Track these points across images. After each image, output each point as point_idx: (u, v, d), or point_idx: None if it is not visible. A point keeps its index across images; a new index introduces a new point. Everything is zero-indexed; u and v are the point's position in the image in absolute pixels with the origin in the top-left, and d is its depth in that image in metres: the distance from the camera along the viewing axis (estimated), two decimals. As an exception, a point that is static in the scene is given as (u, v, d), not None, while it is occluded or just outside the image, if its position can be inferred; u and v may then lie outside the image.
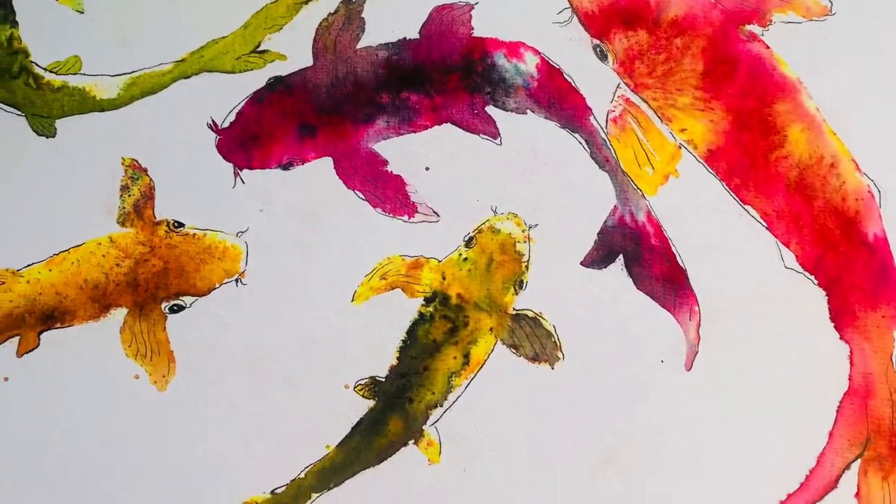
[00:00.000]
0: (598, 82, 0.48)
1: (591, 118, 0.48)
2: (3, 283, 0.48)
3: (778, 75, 0.47)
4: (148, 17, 0.50)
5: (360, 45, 0.49)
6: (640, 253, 0.47)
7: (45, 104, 0.50)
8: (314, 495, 0.47)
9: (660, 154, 0.47)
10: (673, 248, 0.47)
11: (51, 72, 0.50)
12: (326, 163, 0.48)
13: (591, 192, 0.48)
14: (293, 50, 0.49)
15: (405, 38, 0.49)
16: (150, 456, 0.47)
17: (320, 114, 0.48)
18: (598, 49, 0.48)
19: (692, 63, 0.47)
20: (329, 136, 0.48)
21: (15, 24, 0.50)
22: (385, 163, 0.48)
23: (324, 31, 0.49)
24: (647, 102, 0.47)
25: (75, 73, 0.50)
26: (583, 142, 0.48)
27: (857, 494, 0.46)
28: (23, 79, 0.50)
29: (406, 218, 0.48)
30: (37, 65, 0.50)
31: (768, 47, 0.47)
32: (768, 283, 0.47)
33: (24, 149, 0.49)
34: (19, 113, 0.50)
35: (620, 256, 0.47)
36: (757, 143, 0.47)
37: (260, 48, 0.49)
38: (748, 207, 0.47)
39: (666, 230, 0.47)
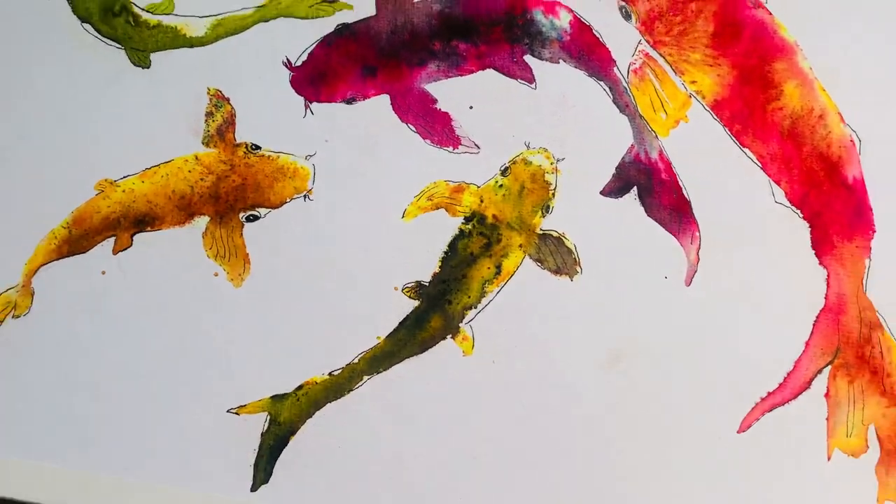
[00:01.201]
0: (622, 38, 0.51)
1: (615, 69, 0.51)
2: (103, 191, 0.52)
3: (778, 38, 0.50)
4: None
5: None
6: (651, 185, 0.50)
7: (142, 39, 0.54)
8: (365, 378, 0.51)
9: (672, 102, 0.50)
10: (680, 182, 0.50)
11: (148, 12, 0.54)
12: (384, 99, 0.51)
13: (611, 132, 0.50)
14: (358, 1, 0.53)
15: None
16: (228, 342, 0.51)
17: (380, 57, 0.52)
18: (623, 10, 0.51)
19: (704, 25, 0.51)
20: (387, 76, 0.52)
21: None
22: (435, 101, 0.51)
23: None
24: (663, 57, 0.51)
25: (168, 14, 0.54)
26: (606, 89, 0.51)
27: (827, 395, 0.49)
28: (123, 17, 0.54)
29: (451, 149, 0.51)
30: (136, 5, 0.54)
31: (770, 13, 0.50)
32: (760, 215, 0.49)
33: (122, 77, 0.53)
34: (119, 46, 0.53)
35: (635, 188, 0.50)
36: (757, 96, 0.50)
37: None
38: (746, 150, 0.50)
39: (675, 167, 0.50)
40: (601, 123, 0.51)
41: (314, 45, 0.51)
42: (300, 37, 0.53)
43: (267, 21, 0.53)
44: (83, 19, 0.54)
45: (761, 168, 0.50)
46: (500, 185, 0.51)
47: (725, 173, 0.50)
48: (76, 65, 0.54)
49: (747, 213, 0.50)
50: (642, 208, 0.50)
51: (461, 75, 0.52)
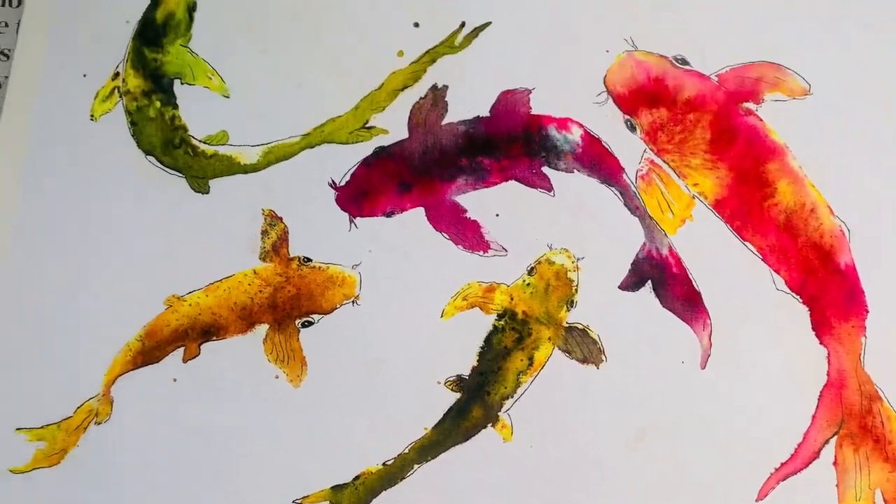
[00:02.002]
0: (628, 148, 0.54)
1: (624, 175, 0.54)
2: (171, 306, 0.54)
3: (769, 141, 0.53)
4: (279, 100, 0.58)
5: (444, 122, 0.55)
6: (664, 279, 0.52)
7: (201, 168, 0.57)
8: (415, 466, 0.52)
9: (678, 203, 0.53)
10: (690, 275, 0.53)
11: (204, 143, 0.58)
12: (419, 212, 0.54)
13: (625, 232, 0.53)
14: (393, 126, 0.55)
15: (479, 116, 0.55)
16: (290, 438, 0.52)
17: (415, 174, 0.54)
18: (628, 123, 0.54)
19: (702, 133, 0.54)
20: (422, 191, 0.54)
21: (176, 106, 0.59)
22: (464, 211, 0.54)
23: (416, 111, 0.56)
24: (667, 163, 0.53)
25: (223, 144, 0.58)
26: (618, 194, 0.54)
27: (835, 463, 0.51)
28: (182, 149, 0.58)
29: (482, 253, 0.54)
30: (193, 137, 0.58)
31: (761, 119, 0.53)
32: (764, 301, 0.52)
33: (184, 202, 0.55)
34: (180, 175, 0.57)
35: (649, 282, 0.53)
36: (753, 194, 0.52)
37: (367, 125, 0.57)
38: (747, 243, 0.52)
39: (684, 261, 0.53)
40: (615, 225, 0.54)
41: (355, 167, 0.55)
42: (343, 159, 0.55)
43: (312, 147, 0.57)
44: (147, 152, 0.59)
45: (762, 259, 0.52)
46: (528, 284, 0.53)
47: (730, 265, 0.53)
48: (143, 193, 0.57)
49: (752, 300, 0.52)
50: (657, 300, 0.53)
51: (487, 187, 0.54)
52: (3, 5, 0.64)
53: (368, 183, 0.55)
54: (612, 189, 0.54)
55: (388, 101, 0.56)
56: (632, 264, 0.53)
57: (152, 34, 0.60)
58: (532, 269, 0.53)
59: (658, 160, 0.54)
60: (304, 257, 0.54)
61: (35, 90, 0.60)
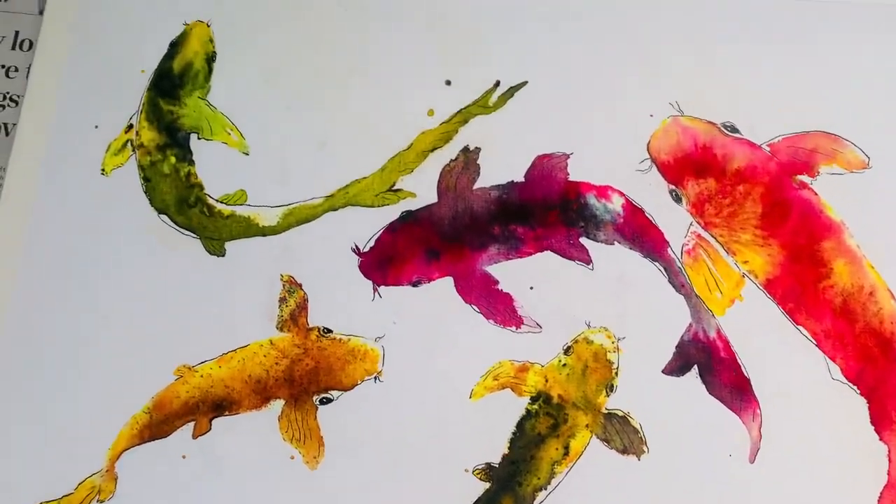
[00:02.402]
0: (673, 220, 0.53)
1: (669, 249, 0.52)
2: (182, 376, 0.53)
3: (825, 217, 0.52)
4: (301, 159, 0.56)
5: (476, 186, 0.55)
6: (711, 364, 0.50)
7: (217, 229, 0.56)
8: None
9: (726, 281, 0.51)
10: (739, 360, 0.51)
11: (221, 202, 0.56)
12: (448, 281, 0.53)
13: (669, 311, 0.51)
14: (421, 189, 0.54)
15: (513, 181, 0.54)
16: None
17: (443, 241, 0.53)
18: (673, 193, 0.53)
19: (753, 206, 0.52)
20: (450, 259, 0.53)
21: (192, 162, 0.57)
22: (496, 282, 0.52)
23: (446, 174, 0.55)
24: (715, 238, 0.52)
25: (241, 204, 0.56)
26: (662, 269, 0.52)
27: None
28: (198, 208, 0.56)
29: (514, 329, 0.52)
30: (210, 196, 0.56)
31: (816, 194, 0.52)
32: (818, 392, 0.50)
33: (199, 265, 0.55)
34: (195, 236, 0.56)
35: (695, 366, 0.51)
36: (807, 274, 0.51)
37: (394, 187, 0.55)
38: (800, 327, 0.50)
39: (733, 345, 0.51)
40: (659, 303, 0.52)
41: (381, 232, 0.53)
42: (367, 224, 0.55)
43: (336, 209, 0.56)
44: (160, 210, 0.57)
45: (816, 345, 0.50)
46: (564, 365, 0.51)
47: (782, 350, 0.51)
48: (154, 254, 0.56)
49: (806, 390, 0.50)
50: (703, 386, 0.51)
51: (521, 257, 0.53)
52: (14, 48, 0.62)
53: (394, 249, 0.53)
54: (656, 264, 0.52)
55: (417, 162, 0.55)
56: (676, 347, 0.51)
57: (168, 85, 0.59)
58: (569, 348, 0.51)
59: (705, 234, 0.52)
60: (324, 328, 0.53)
61: (44, 140, 0.58)
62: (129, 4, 0.61)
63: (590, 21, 0.58)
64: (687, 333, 0.51)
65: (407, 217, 0.54)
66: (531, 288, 0.52)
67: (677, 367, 0.51)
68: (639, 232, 0.53)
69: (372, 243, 0.53)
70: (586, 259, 0.53)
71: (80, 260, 0.54)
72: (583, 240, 0.53)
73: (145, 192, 0.56)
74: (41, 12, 0.61)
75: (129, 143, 0.57)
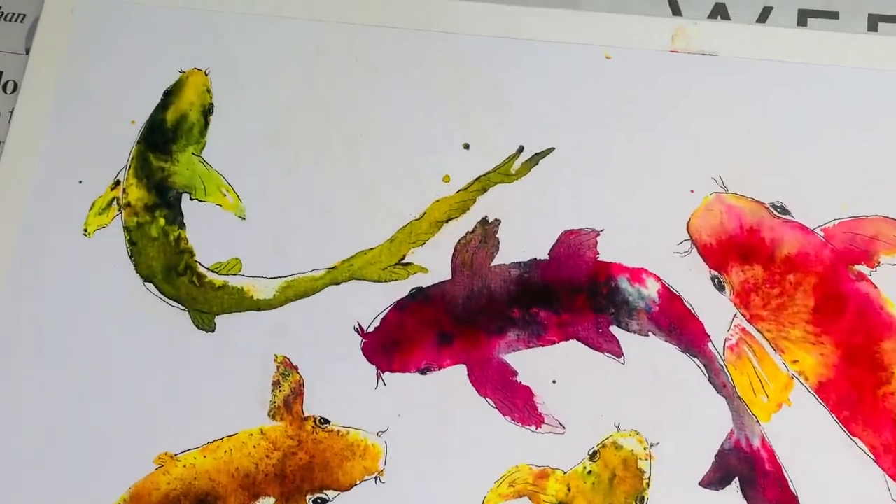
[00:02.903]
0: (715, 310, 0.49)
1: (710, 344, 0.49)
2: (162, 465, 0.49)
3: (885, 314, 0.48)
4: (303, 226, 0.53)
5: (494, 263, 0.51)
6: (754, 477, 0.47)
7: (207, 301, 0.52)
8: None
9: (773, 383, 0.48)
10: (786, 474, 0.47)
11: (213, 271, 0.53)
12: (461, 370, 0.50)
13: (708, 415, 0.48)
14: (434, 264, 0.52)
15: (536, 259, 0.51)
16: None
17: (457, 324, 0.50)
18: (715, 280, 0.50)
19: (804, 299, 0.49)
20: (464, 344, 0.50)
21: (182, 225, 0.54)
22: (515, 373, 0.49)
23: (462, 248, 0.52)
24: (761, 333, 0.49)
25: (235, 274, 0.53)
26: (701, 366, 0.49)
27: None
28: (188, 276, 0.53)
29: (534, 428, 0.48)
30: (201, 264, 0.53)
31: (876, 287, 0.49)
32: None
33: (185, 341, 0.51)
34: (183, 308, 0.52)
35: (736, 479, 0.47)
36: (865, 379, 0.47)
37: (404, 261, 0.52)
38: (856, 439, 0.47)
39: (779, 456, 0.47)
40: (697, 404, 0.48)
41: (387, 310, 0.51)
42: (373, 301, 0.51)
43: (338, 283, 0.52)
44: (146, 278, 0.53)
45: (874, 460, 0.47)
46: (589, 472, 0.48)
47: (835, 466, 0.47)
48: (138, 327, 0.52)
49: None
50: (745, 502, 0.47)
51: (543, 346, 0.50)
52: (-3, 90, 0.58)
53: (402, 331, 0.50)
54: (695, 360, 0.49)
55: (430, 234, 0.52)
56: (716, 456, 0.47)
57: (160, 138, 0.55)
58: (595, 453, 0.48)
59: (751, 328, 0.49)
60: (321, 418, 0.50)
61: (23, 196, 0.55)
62: (121, 47, 0.57)
63: (624, 84, 0.54)
64: (728, 441, 0.48)
65: (417, 295, 0.50)
66: (554, 382, 0.49)
67: (716, 479, 0.47)
68: (676, 322, 0.49)
69: (377, 323, 0.50)
70: (617, 351, 0.49)
71: (55, 331, 0.52)
72: (613, 329, 0.49)
73: (130, 257, 0.53)
74: (27, 51, 0.58)
75: (114, 202, 0.54)
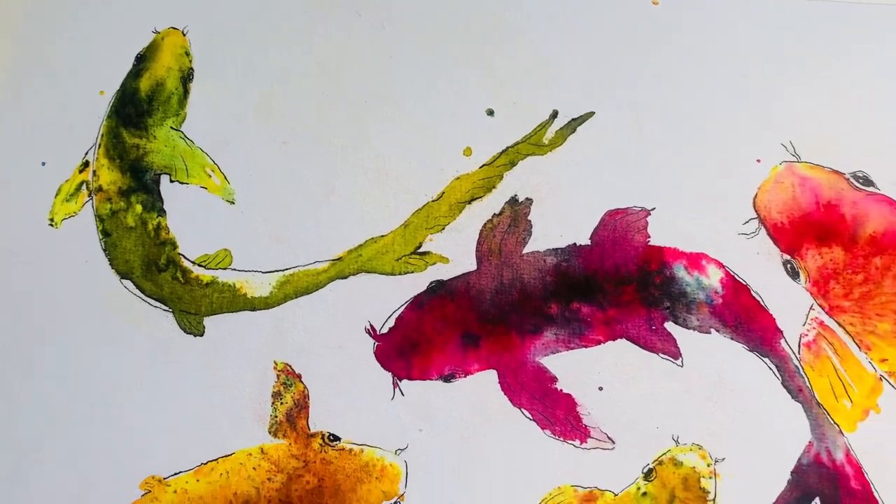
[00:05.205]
0: (788, 302, 0.46)
1: (782, 342, 0.45)
2: (150, 491, 0.46)
3: None
4: (302, 211, 0.48)
5: (526, 250, 0.47)
6: (838, 496, 0.44)
7: (194, 300, 0.48)
8: None
9: (858, 386, 0.45)
10: (875, 493, 0.44)
11: (200, 265, 0.49)
12: (491, 376, 0.46)
13: (782, 425, 0.45)
14: (456, 252, 0.47)
15: (575, 244, 0.47)
16: None
17: (484, 322, 0.46)
18: (788, 265, 0.46)
19: (893, 285, 0.45)
20: (493, 346, 0.46)
21: (163, 212, 0.49)
22: (554, 379, 0.46)
23: (488, 232, 0.47)
24: (843, 327, 0.45)
25: (225, 268, 0.48)
26: (773, 367, 0.45)
27: None
28: (170, 272, 0.49)
29: (578, 443, 0.45)
30: (185, 257, 0.49)
31: None
32: None
33: (171, 347, 0.47)
34: (167, 308, 0.48)
35: (817, 499, 0.44)
36: None
37: (421, 249, 0.48)
38: None
39: (866, 471, 0.44)
40: (769, 412, 0.45)
41: (403, 308, 0.47)
42: (386, 297, 0.47)
43: (345, 277, 0.48)
44: (123, 275, 0.49)
45: None
46: (644, 494, 0.44)
47: None
48: (115, 332, 0.48)
49: None
50: None
51: (586, 346, 0.46)
52: (-55, 59, 0.54)
53: (420, 332, 0.46)
54: (765, 360, 0.45)
55: (450, 217, 0.48)
56: (792, 473, 0.44)
57: (134, 111, 0.51)
58: (650, 470, 0.44)
59: (831, 322, 0.45)
60: (330, 434, 0.46)
61: None
62: (86, 6, 0.52)
63: (675, 34, 0.49)
64: (806, 455, 0.45)
65: (437, 289, 0.47)
66: (600, 388, 0.46)
67: (794, 499, 0.44)
68: (743, 316, 0.45)
69: (392, 323, 0.46)
70: (673, 351, 0.46)
71: (20, 339, 0.48)
72: (668, 325, 0.46)
73: (104, 251, 0.49)
74: (-22, 15, 0.54)
75: (83, 186, 0.50)
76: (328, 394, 0.46)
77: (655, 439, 0.45)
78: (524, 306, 0.46)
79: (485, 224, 0.47)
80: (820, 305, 0.45)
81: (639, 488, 0.44)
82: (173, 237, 0.49)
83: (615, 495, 0.44)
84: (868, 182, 0.46)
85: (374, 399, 0.46)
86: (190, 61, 0.51)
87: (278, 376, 0.47)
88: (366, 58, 0.50)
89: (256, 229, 0.48)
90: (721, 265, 0.46)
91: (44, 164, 0.50)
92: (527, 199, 0.48)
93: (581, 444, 0.45)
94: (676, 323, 0.46)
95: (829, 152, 0.47)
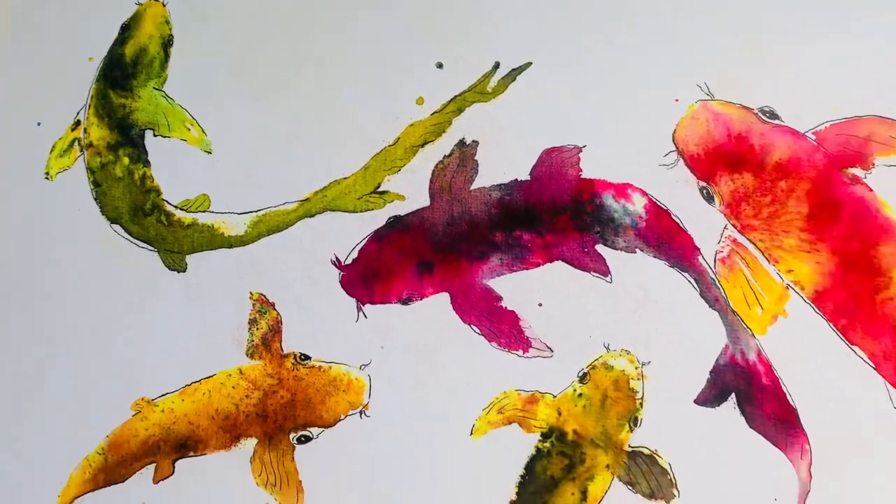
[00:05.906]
0: (704, 223, 0.48)
1: (700, 258, 0.48)
2: (140, 411, 0.48)
3: (882, 218, 0.46)
4: (272, 158, 0.51)
5: (473, 186, 0.49)
6: (751, 392, 0.46)
7: (176, 240, 0.51)
8: None
9: (768, 294, 0.47)
10: (784, 387, 0.46)
11: (181, 209, 0.51)
12: (443, 298, 0.48)
13: (701, 331, 0.47)
14: (411, 191, 0.50)
15: (517, 180, 0.49)
16: None
17: (437, 251, 0.49)
18: (704, 191, 0.48)
19: (797, 205, 0.47)
20: (446, 272, 0.48)
21: (147, 163, 0.52)
22: (499, 298, 0.48)
23: (439, 172, 0.50)
24: (753, 243, 0.47)
25: (204, 211, 0.51)
26: (692, 281, 0.47)
27: None
28: (155, 216, 0.51)
29: (521, 352, 0.47)
30: (168, 202, 0.51)
31: (871, 190, 0.47)
32: (878, 423, 0.45)
33: (157, 282, 0.50)
34: (152, 249, 0.51)
35: (733, 395, 0.46)
36: (863, 285, 0.46)
37: (379, 189, 0.50)
38: (855, 347, 0.46)
39: (776, 369, 0.46)
40: (689, 320, 0.47)
41: (364, 241, 0.49)
42: (349, 232, 0.50)
43: (312, 216, 0.50)
44: (112, 220, 0.52)
45: (874, 368, 0.46)
46: (580, 395, 0.47)
47: (834, 376, 0.46)
48: (106, 271, 0.50)
49: (863, 423, 0.45)
50: (743, 419, 0.46)
51: (527, 269, 0.49)
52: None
53: (380, 261, 0.49)
54: (685, 275, 0.48)
55: (405, 159, 0.51)
56: (711, 372, 0.46)
57: (120, 74, 0.53)
58: (584, 374, 0.47)
59: (742, 239, 0.47)
60: (301, 354, 0.48)
61: None
62: None
63: None
64: (722, 356, 0.46)
65: (394, 223, 0.49)
66: (540, 304, 0.48)
67: (712, 395, 0.46)
68: (664, 237, 0.48)
69: (355, 254, 0.49)
70: (603, 270, 0.48)
71: (21, 279, 0.50)
72: (599, 247, 0.48)
73: (95, 199, 0.51)
74: (-24, -9, 0.55)
75: (76, 143, 0.52)
76: (299, 319, 0.49)
77: (588, 347, 0.47)
78: (472, 236, 0.49)
79: (436, 165, 0.50)
80: (733, 225, 0.47)
81: (575, 390, 0.47)
82: (157, 185, 0.51)
83: (554, 397, 0.47)
84: (774, 116, 0.48)
85: (340, 322, 0.49)
86: (170, 29, 0.54)
87: (254, 305, 0.49)
88: (327, 19, 0.53)
89: (231, 175, 0.51)
90: (645, 193, 0.48)
91: (39, 124, 0.53)
92: (473, 141, 0.50)
93: (524, 353, 0.47)
94: (606, 245, 0.48)
95: (740, 91, 0.49)
